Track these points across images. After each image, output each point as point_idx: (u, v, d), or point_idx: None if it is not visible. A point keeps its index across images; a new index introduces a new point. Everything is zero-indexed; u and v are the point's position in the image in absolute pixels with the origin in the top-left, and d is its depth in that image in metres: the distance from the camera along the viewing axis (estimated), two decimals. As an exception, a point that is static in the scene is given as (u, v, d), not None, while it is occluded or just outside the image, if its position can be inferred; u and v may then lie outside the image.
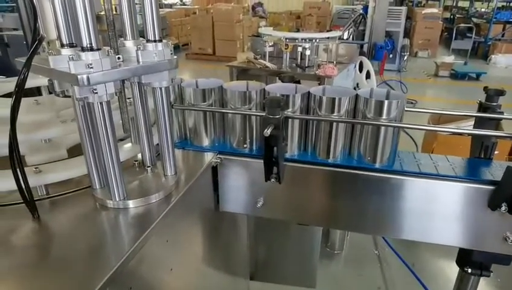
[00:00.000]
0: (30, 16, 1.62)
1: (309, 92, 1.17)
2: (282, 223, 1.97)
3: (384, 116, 1.07)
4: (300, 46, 3.76)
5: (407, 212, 1.15)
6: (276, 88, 1.23)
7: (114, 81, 0.79)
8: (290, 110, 1.15)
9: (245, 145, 1.23)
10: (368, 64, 3.95)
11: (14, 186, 0.84)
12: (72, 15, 0.79)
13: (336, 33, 4.10)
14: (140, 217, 0.89)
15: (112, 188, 0.89)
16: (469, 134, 1.27)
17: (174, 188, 0.98)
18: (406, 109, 1.14)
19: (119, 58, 0.83)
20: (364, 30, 8.30)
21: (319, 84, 3.55)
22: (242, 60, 4.00)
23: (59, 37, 0.80)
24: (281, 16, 11.79)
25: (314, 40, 3.81)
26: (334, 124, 1.14)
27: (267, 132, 0.98)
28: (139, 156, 1.09)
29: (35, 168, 0.94)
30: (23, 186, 0.84)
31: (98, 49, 0.75)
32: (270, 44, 3.85)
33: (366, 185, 1.15)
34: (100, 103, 0.79)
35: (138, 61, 0.85)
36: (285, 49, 3.76)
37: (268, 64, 3.78)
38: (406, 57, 8.62)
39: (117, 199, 0.90)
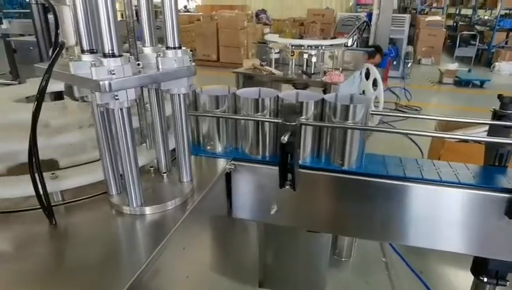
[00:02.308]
0: (43, 22, 1.63)
1: (323, 98, 1.17)
2: (291, 230, 1.95)
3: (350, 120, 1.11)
4: (306, 53, 3.77)
5: (422, 219, 1.14)
6: (290, 95, 1.23)
7: (135, 88, 0.79)
8: (303, 117, 1.15)
9: (258, 152, 1.23)
10: (375, 72, 3.95)
11: (29, 192, 0.84)
12: (93, 21, 0.80)
13: (341, 40, 4.12)
14: (157, 224, 0.89)
15: (130, 194, 0.88)
16: (484, 142, 1.27)
17: (190, 195, 0.98)
18: (419, 116, 1.15)
19: (138, 64, 0.83)
20: (368, 37, 8.32)
21: (324, 91, 3.56)
22: (248, 67, 4.02)
23: (80, 43, 0.80)
24: (284, 23, 11.80)
25: (320, 47, 3.83)
26: (349, 131, 1.14)
27: (284, 138, 0.98)
28: (154, 161, 1.08)
29: (52, 173, 0.94)
30: (41, 193, 0.84)
31: (120, 56, 0.76)
32: (276, 51, 3.87)
33: (377, 192, 1.15)
34: (120, 109, 0.79)
35: (158, 68, 0.85)
36: (291, 56, 3.78)
37: (274, 70, 3.80)
38: (409, 64, 8.63)
39: (134, 206, 0.90)
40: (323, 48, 3.85)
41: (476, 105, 6.73)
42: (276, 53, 3.89)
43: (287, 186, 1.15)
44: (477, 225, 1.10)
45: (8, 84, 1.63)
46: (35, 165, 0.81)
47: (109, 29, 0.74)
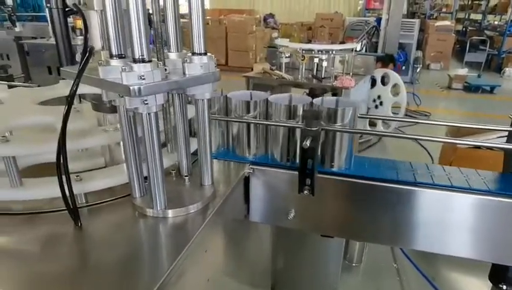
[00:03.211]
0: (63, 27, 1.65)
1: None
2: (303, 234, 1.96)
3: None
4: (316, 57, 3.78)
5: (435, 224, 1.14)
6: (324, 101, 1.24)
7: (163, 93, 0.80)
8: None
9: (277, 157, 1.24)
10: (397, 78, 3.93)
11: (54, 194, 0.85)
12: (122, 27, 0.82)
13: (352, 45, 4.12)
14: (180, 227, 0.90)
15: (154, 197, 0.89)
16: (503, 149, 1.26)
17: (212, 199, 0.99)
18: (430, 121, 1.15)
19: (165, 70, 0.84)
20: (378, 42, 8.31)
21: (333, 96, 3.57)
22: (258, 71, 4.03)
23: (109, 48, 0.82)
24: (292, 27, 11.87)
25: (330, 52, 3.83)
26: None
27: (306, 144, 0.99)
28: (176, 164, 1.10)
29: (77, 176, 0.95)
30: (68, 194, 0.85)
31: (149, 61, 0.77)
32: (287, 55, 3.88)
33: (388, 197, 1.16)
34: (148, 113, 0.81)
35: (184, 74, 0.87)
36: (302, 60, 3.79)
37: (284, 75, 3.81)
38: (418, 69, 8.60)
39: (158, 209, 0.91)
40: (334, 52, 3.85)
41: (486, 111, 6.69)
42: (286, 57, 3.90)
43: (306, 192, 1.15)
44: (497, 231, 1.10)
45: (26, 87, 1.66)
46: (63, 167, 0.82)
47: (139, 35, 0.75)
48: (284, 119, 1.23)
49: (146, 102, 0.78)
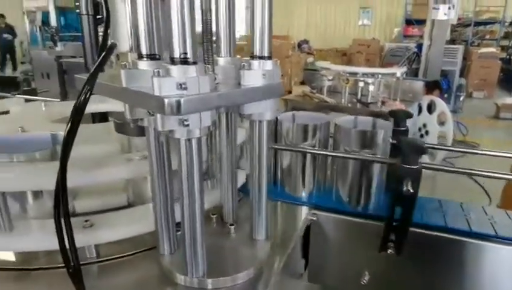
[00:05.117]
0: (92, 36, 1.48)
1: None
2: None
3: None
4: (362, 80, 3.50)
5: None
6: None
7: (211, 110, 0.54)
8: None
9: (351, 200, 0.95)
10: (443, 106, 3.57)
11: (51, 246, 0.60)
12: (157, 18, 0.57)
13: (399, 69, 3.82)
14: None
15: (190, 258, 0.62)
16: None
17: (268, 262, 0.70)
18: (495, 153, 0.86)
19: (215, 77, 0.59)
20: (418, 68, 7.95)
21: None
22: (298, 94, 3.79)
23: (138, 46, 0.58)
24: (327, 52, 11.70)
25: (376, 76, 3.55)
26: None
27: (408, 188, 0.70)
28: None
29: (86, 221, 0.70)
30: (69, 248, 0.60)
31: (194, 63, 0.52)
32: (330, 78, 3.62)
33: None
34: (188, 139, 0.54)
35: (239, 84, 0.61)
36: (346, 83, 3.51)
37: (327, 98, 3.53)
38: (462, 97, 8.12)
39: (193, 276, 0.63)
40: (380, 76, 3.56)
41: (543, 143, 6.09)
42: (329, 80, 3.63)
43: (390, 250, 0.85)
44: None
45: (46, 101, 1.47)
46: (64, 213, 0.57)
47: (182, 25, 0.50)
48: (356, 148, 0.96)
49: (186, 123, 0.52)
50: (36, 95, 1.64)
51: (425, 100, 4.45)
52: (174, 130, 0.53)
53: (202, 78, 0.51)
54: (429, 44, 7.95)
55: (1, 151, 0.77)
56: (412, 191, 0.70)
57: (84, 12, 1.40)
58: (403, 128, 1.02)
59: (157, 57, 0.58)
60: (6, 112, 1.12)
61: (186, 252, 0.61)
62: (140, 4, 0.56)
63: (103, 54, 0.54)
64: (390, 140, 1.01)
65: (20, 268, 0.69)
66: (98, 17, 1.43)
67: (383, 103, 3.39)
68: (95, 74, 0.52)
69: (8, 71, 8.61)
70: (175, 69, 0.50)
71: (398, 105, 3.20)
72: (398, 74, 4.45)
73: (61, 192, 0.55)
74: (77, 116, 0.51)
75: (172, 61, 0.51)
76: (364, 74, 3.54)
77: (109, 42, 0.57)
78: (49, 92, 3.05)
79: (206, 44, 0.65)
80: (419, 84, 4.06)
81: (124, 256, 0.72)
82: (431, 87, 5.16)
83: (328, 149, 1.05)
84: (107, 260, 0.71)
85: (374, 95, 3.53)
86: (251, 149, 0.70)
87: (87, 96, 0.52)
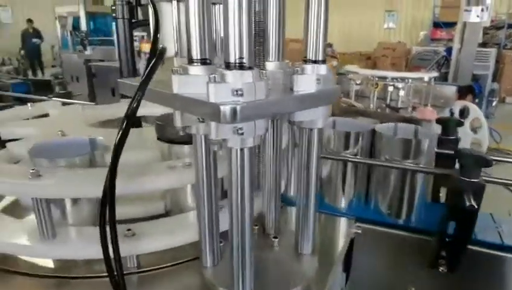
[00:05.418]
0: (127, 40, 1.48)
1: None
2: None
3: None
4: (391, 85, 3.40)
5: None
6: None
7: (266, 118, 0.51)
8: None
9: (398, 213, 0.90)
10: (477, 111, 3.43)
11: (92, 255, 0.59)
12: (208, 21, 0.55)
13: (431, 74, 3.71)
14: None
15: (237, 273, 0.59)
16: None
17: (317, 279, 0.66)
18: None
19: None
20: (447, 72, 7.71)
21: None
22: (324, 98, 3.72)
23: (189, 51, 0.55)
24: (351, 56, 11.54)
25: (406, 80, 3.45)
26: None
27: (472, 202, 0.64)
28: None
29: (128, 230, 0.68)
30: (114, 257, 0.58)
31: (250, 68, 0.49)
32: (358, 82, 3.54)
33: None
34: (241, 149, 0.51)
35: (292, 90, 0.57)
36: (375, 88, 3.42)
37: (355, 103, 3.45)
38: (494, 103, 7.81)
39: (240, 291, 0.60)
40: (410, 80, 3.45)
41: None
42: (357, 84, 3.55)
43: (442, 268, 0.79)
44: None
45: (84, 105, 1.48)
46: (111, 222, 0.55)
47: (239, 29, 0.47)
48: (397, 158, 0.91)
49: (241, 131, 0.49)
50: (71, 98, 1.66)
51: (458, 106, 4.28)
52: (227, 138, 0.50)
53: (258, 84, 0.48)
54: (460, 47, 7.71)
55: (42, 156, 0.77)
56: (475, 206, 0.65)
57: (120, 16, 1.40)
58: (453, 137, 0.97)
59: (208, 61, 0.55)
60: (46, 115, 1.13)
61: (234, 266, 0.58)
62: (193, 8, 0.53)
63: (154, 60, 0.52)
64: (436, 149, 0.96)
65: (59, 276, 0.68)
66: (133, 21, 1.44)
67: (413, 108, 3.29)
68: (147, 80, 0.50)
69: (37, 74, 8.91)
70: (230, 75, 0.47)
71: (429, 111, 3.09)
72: (426, 78, 4.35)
73: (109, 200, 0.53)
74: (129, 123, 0.49)
75: (228, 66, 0.49)
76: (393, 78, 3.45)
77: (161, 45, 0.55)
78: (82, 95, 3.11)
79: (258, 48, 0.62)
80: (451, 89, 3.91)
81: (165, 267, 0.70)
82: (464, 92, 4.98)
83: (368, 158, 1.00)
84: (147, 271, 0.69)
85: (404, 100, 3.43)
86: (299, 158, 0.67)
87: (139, 103, 0.49)
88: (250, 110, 0.47)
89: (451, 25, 9.83)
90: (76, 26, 7.78)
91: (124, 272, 0.62)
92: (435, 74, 3.78)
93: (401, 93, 3.32)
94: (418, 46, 11.92)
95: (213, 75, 0.47)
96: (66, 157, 0.77)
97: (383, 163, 0.91)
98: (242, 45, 0.48)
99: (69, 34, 7.45)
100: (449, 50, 7.93)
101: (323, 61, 0.59)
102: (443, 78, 8.01)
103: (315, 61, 0.59)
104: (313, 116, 0.61)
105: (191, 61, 0.55)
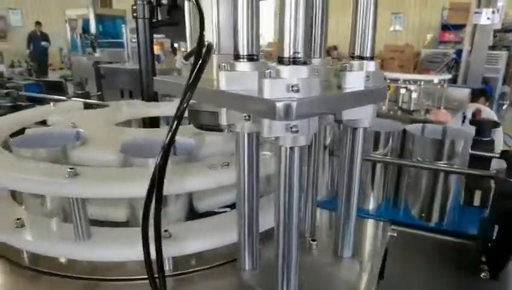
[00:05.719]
0: (148, 40, 1.47)
1: None
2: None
3: None
4: (404, 87, 3.38)
5: None
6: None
7: (319, 115, 0.49)
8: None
9: (432, 216, 0.87)
10: (490, 114, 3.39)
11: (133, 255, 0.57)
12: (256, 14, 0.53)
13: (443, 76, 3.67)
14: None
15: (281, 277, 0.56)
16: None
17: (361, 284, 0.64)
18: None
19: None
20: (457, 75, 7.65)
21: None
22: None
23: (236, 46, 0.53)
24: (358, 58, 11.50)
25: (419, 82, 3.42)
26: None
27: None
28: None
29: (165, 230, 0.66)
30: (156, 260, 0.56)
31: (305, 63, 0.47)
32: (370, 84, 3.52)
33: None
34: (291, 148, 0.49)
35: (339, 87, 0.55)
36: (387, 90, 3.40)
37: (367, 105, 3.43)
38: (505, 106, 7.74)
39: (283, 296, 0.58)
40: (423, 83, 3.42)
41: None
42: (369, 86, 3.53)
43: (483, 274, 0.77)
44: None
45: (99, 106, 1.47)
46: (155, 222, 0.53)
47: (295, 22, 0.45)
48: (429, 158, 0.89)
49: (295, 129, 0.47)
50: (89, 99, 1.65)
51: (471, 108, 4.24)
52: (280, 136, 0.48)
53: (314, 80, 0.46)
54: (469, 50, 7.65)
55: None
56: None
57: (140, 15, 1.40)
58: (488, 139, 0.94)
59: (255, 57, 0.54)
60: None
61: (278, 270, 0.56)
62: (241, 5, 0.51)
63: (202, 58, 0.50)
64: (470, 150, 0.93)
65: (91, 278, 0.66)
66: (153, 20, 1.43)
67: (427, 111, 3.25)
68: (197, 78, 0.48)
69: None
70: (286, 70, 0.45)
71: (443, 113, 3.06)
72: (437, 80, 4.32)
73: (156, 199, 0.51)
74: (178, 123, 0.47)
75: (281, 61, 0.47)
76: (405, 81, 3.42)
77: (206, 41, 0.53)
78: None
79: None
80: (464, 92, 3.88)
81: (201, 269, 0.68)
82: (476, 95, 4.93)
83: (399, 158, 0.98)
84: (183, 273, 0.67)
85: (416, 102, 3.39)
86: (341, 159, 0.65)
87: (188, 102, 0.48)
88: (305, 107, 0.45)
89: (459, 27, 9.78)
90: (85, 29, 7.82)
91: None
92: (448, 75, 3.74)
93: (414, 95, 3.29)
94: (425, 48, 11.85)
95: (268, 71, 0.45)
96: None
97: (420, 164, 0.89)
98: (297, 39, 0.46)
99: (78, 36, 7.49)
100: (459, 52, 7.87)
101: (372, 58, 0.58)
102: (452, 81, 7.96)
103: (363, 58, 0.57)
104: (361, 115, 0.59)
105: (237, 57, 0.54)
